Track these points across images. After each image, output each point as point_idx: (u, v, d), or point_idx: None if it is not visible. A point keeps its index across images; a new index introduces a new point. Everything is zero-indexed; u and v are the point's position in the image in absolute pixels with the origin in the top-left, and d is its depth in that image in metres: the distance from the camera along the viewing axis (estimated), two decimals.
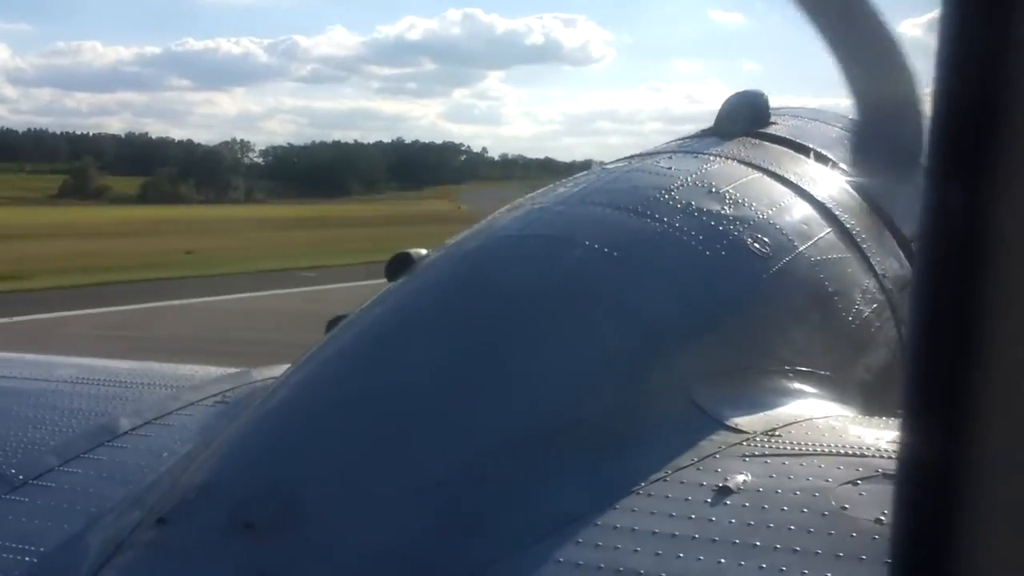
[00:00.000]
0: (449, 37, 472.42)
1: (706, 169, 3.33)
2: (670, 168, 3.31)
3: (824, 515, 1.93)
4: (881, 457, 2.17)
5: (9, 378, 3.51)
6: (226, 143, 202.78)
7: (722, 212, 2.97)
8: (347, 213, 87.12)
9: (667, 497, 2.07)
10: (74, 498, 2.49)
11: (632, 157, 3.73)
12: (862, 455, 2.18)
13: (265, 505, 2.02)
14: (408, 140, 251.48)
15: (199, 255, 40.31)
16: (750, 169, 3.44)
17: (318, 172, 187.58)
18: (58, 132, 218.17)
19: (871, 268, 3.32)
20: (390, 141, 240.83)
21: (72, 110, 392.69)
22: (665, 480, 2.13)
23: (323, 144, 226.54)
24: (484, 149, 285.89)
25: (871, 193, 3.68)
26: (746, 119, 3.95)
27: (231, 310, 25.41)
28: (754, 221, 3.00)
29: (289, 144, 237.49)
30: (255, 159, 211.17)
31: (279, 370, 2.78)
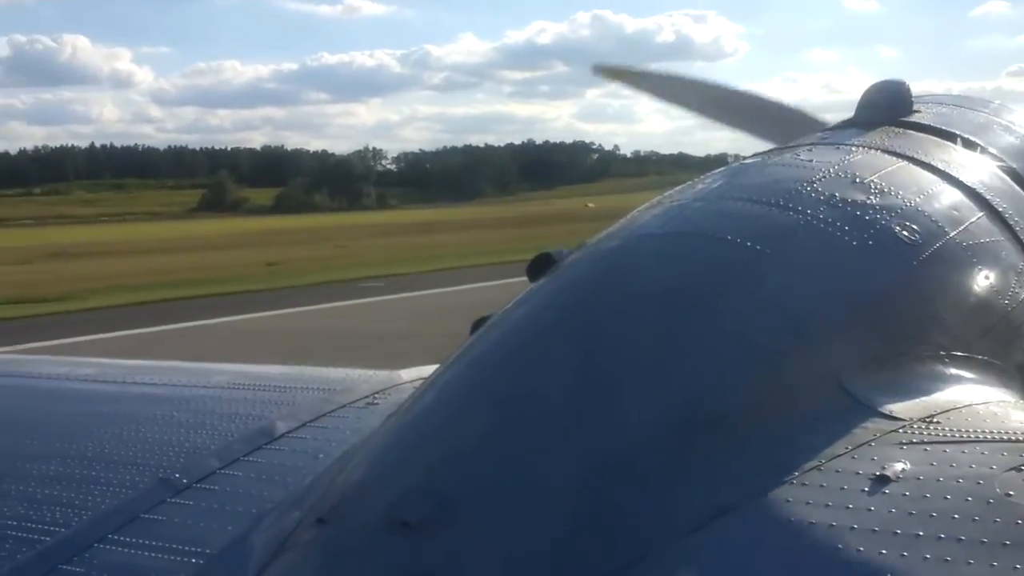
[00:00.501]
0: (579, 39, 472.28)
1: (848, 160, 3.18)
2: (811, 160, 3.17)
3: (988, 503, 1.88)
4: None
5: (168, 385, 3.60)
6: (359, 152, 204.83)
7: (867, 202, 2.87)
8: (465, 215, 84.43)
9: (822, 487, 2.01)
10: (236, 500, 2.56)
11: (772, 151, 3.64)
12: None
13: (420, 505, 2.05)
14: (540, 142, 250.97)
15: (282, 267, 37.71)
16: (894, 158, 3.26)
17: (450, 176, 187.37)
18: (198, 148, 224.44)
19: None
20: (520, 143, 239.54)
21: (215, 127, 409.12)
22: (820, 470, 2.06)
23: (454, 149, 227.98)
24: (616, 147, 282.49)
25: (1022, 176, 3.53)
26: (888, 108, 3.77)
27: (248, 330, 23.32)
28: (901, 209, 2.89)
29: (421, 150, 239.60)
30: (388, 166, 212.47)
31: (427, 371, 2.75)
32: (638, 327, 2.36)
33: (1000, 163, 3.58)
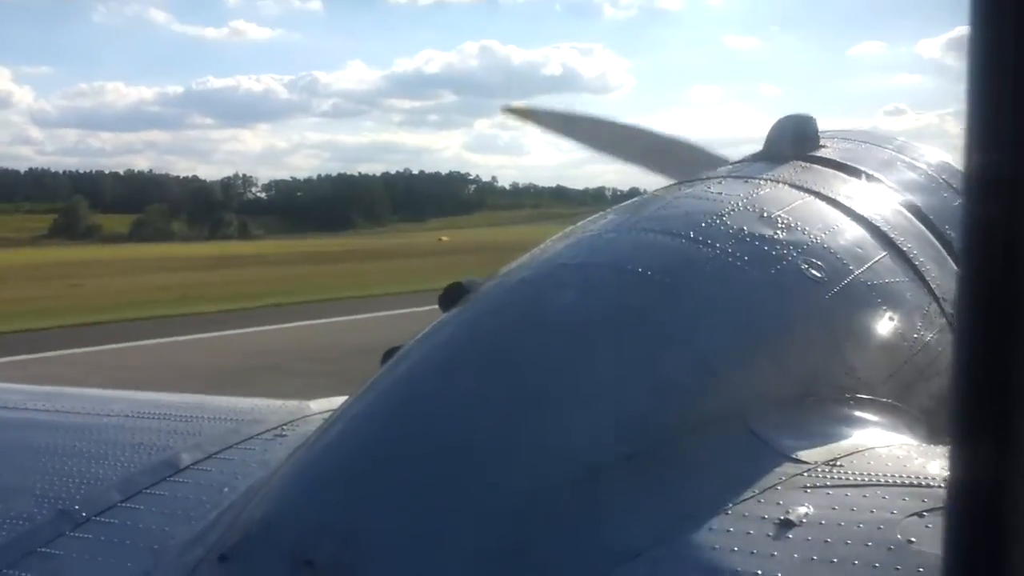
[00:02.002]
0: (467, 69, 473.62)
1: (757, 194, 3.22)
2: (720, 193, 3.21)
3: (890, 548, 1.92)
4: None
5: (69, 413, 3.47)
6: (227, 178, 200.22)
7: (775, 237, 2.92)
8: (291, 248, 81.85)
9: (729, 531, 2.03)
10: (137, 534, 2.52)
11: (682, 183, 3.62)
12: (928, 485, 2.14)
13: (325, 542, 2.03)
14: (431, 171, 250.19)
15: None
16: (802, 193, 3.30)
17: (321, 206, 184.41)
18: (60, 171, 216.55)
19: (930, 291, 3.22)
20: (395, 173, 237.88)
21: (97, 150, 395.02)
22: (727, 513, 2.09)
23: (327, 177, 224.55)
24: (494, 178, 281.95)
25: (927, 214, 3.56)
26: (795, 143, 3.80)
27: None
28: (808, 245, 2.95)
29: (292, 178, 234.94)
30: (258, 194, 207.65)
31: (337, 402, 2.78)
32: (548, 360, 2.34)
33: (905, 200, 3.59)
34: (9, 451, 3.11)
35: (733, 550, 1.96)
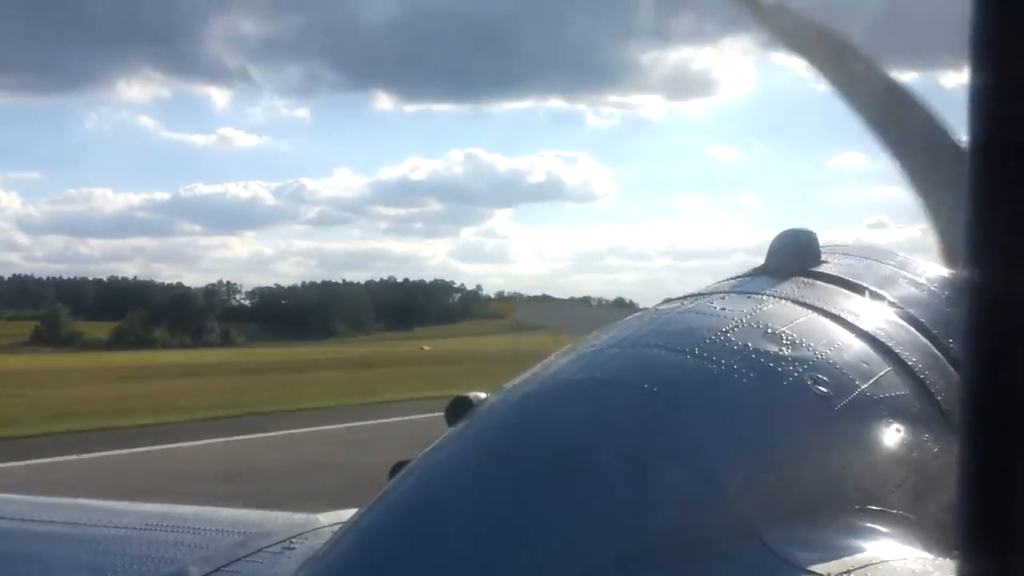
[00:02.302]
0: (453, 176, 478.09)
1: (761, 310, 3.27)
2: (724, 309, 3.26)
3: None
4: None
5: (73, 524, 3.45)
6: (211, 285, 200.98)
7: (780, 353, 2.95)
8: (284, 357, 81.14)
9: None
10: None
11: (685, 298, 3.60)
12: None
13: None
14: (416, 279, 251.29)
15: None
16: (805, 309, 3.35)
17: (305, 313, 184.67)
18: (44, 278, 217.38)
19: (935, 403, 3.24)
20: (379, 280, 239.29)
21: (85, 256, 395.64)
22: None
23: (312, 284, 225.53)
24: (479, 287, 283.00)
25: (929, 328, 3.60)
26: (797, 257, 3.83)
27: None
28: (813, 361, 2.97)
29: (276, 285, 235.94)
30: (242, 300, 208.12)
31: (345, 515, 2.81)
32: (553, 474, 2.39)
33: (907, 315, 3.67)
34: (12, 563, 3.09)
35: None
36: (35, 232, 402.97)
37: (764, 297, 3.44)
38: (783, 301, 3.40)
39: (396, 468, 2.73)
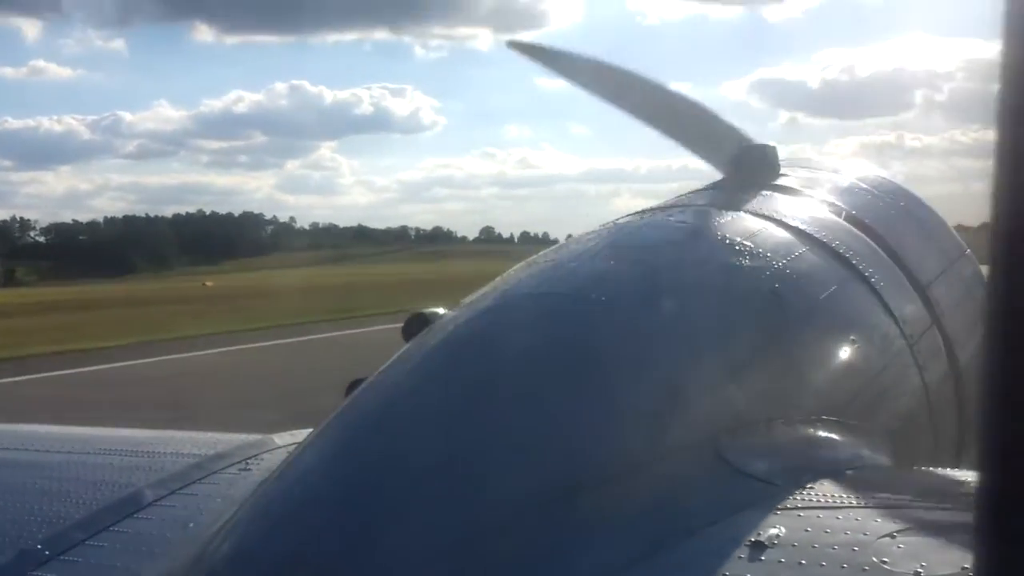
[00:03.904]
0: (277, 109, 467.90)
1: (720, 222, 3.28)
2: (684, 222, 3.32)
3: (864, 570, 1.92)
4: (917, 508, 2.23)
5: (30, 451, 3.42)
6: (3, 221, 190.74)
7: (738, 263, 2.95)
8: (50, 297, 77.60)
9: (699, 554, 2.06)
10: (102, 573, 2.50)
11: (644, 211, 3.64)
12: (898, 506, 2.21)
13: (296, 575, 2.05)
14: (224, 212, 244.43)
15: None
16: (763, 220, 3.34)
17: (104, 250, 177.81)
18: None
19: (891, 315, 3.29)
20: (185, 214, 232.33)
21: None
22: (696, 537, 2.11)
23: (113, 220, 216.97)
24: (292, 219, 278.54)
25: (886, 239, 3.65)
26: (757, 171, 3.86)
27: None
28: (770, 272, 2.97)
29: (74, 220, 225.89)
30: (36, 237, 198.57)
31: (301, 435, 2.83)
32: (512, 389, 2.38)
33: (864, 225, 3.64)
34: None
35: (704, 573, 1.97)
36: None
37: (723, 210, 3.46)
38: (742, 214, 3.43)
39: (352, 385, 2.73)
